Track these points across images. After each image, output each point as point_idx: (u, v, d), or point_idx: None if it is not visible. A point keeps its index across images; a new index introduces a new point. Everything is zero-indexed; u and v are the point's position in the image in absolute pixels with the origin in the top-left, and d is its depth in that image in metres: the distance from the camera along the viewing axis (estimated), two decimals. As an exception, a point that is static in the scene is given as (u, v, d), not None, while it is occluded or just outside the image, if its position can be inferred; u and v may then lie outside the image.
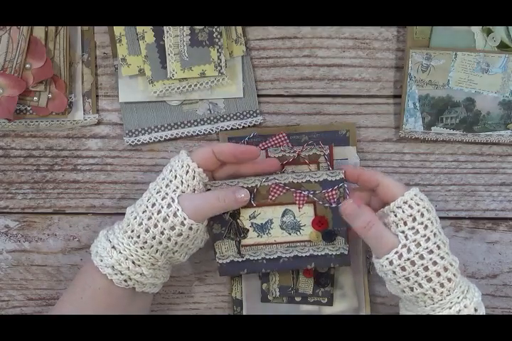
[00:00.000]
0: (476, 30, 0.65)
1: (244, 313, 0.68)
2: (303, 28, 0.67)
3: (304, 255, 0.63)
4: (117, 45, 0.66)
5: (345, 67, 0.68)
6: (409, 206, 0.56)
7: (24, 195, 0.70)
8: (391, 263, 0.55)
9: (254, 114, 0.68)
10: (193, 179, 0.58)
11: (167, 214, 0.56)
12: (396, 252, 0.55)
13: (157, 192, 0.58)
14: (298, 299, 0.68)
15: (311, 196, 0.61)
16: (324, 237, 0.62)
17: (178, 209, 0.56)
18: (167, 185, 0.58)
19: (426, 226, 0.55)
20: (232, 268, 0.63)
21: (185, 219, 0.56)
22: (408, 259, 0.54)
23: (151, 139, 0.68)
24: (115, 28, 0.66)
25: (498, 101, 0.66)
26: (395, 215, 0.56)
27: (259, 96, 0.68)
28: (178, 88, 0.66)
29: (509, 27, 0.64)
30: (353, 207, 0.58)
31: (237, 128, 0.68)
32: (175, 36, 0.64)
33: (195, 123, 0.68)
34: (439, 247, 0.55)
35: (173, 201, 0.57)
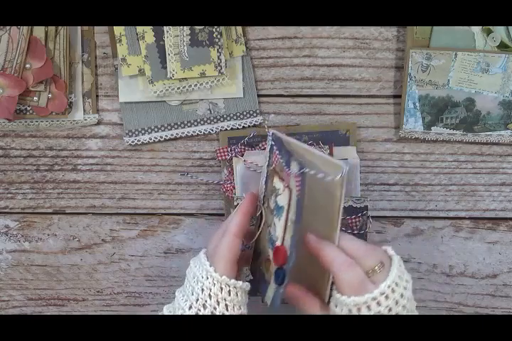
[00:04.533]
0: (476, 30, 0.65)
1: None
2: (303, 28, 0.67)
3: None
4: (117, 45, 0.66)
5: (345, 67, 0.68)
6: (368, 307, 0.50)
7: (24, 195, 0.70)
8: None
9: (254, 114, 0.68)
10: (227, 293, 0.54)
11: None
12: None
13: (189, 308, 0.54)
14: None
15: None
16: (276, 274, 0.53)
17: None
18: (204, 306, 0.54)
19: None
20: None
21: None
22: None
23: (151, 139, 0.68)
24: (115, 28, 0.66)
25: (498, 101, 0.66)
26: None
27: (259, 96, 0.68)
28: (178, 88, 0.66)
29: (509, 27, 0.64)
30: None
31: (237, 128, 0.68)
32: (175, 36, 0.64)
33: (195, 123, 0.68)
34: None
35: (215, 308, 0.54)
